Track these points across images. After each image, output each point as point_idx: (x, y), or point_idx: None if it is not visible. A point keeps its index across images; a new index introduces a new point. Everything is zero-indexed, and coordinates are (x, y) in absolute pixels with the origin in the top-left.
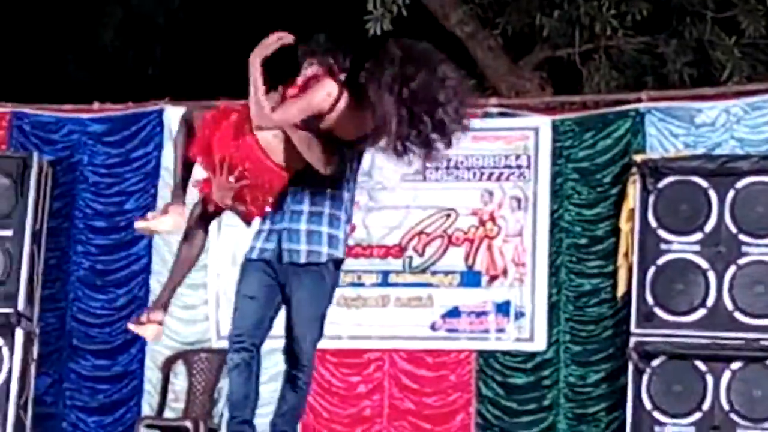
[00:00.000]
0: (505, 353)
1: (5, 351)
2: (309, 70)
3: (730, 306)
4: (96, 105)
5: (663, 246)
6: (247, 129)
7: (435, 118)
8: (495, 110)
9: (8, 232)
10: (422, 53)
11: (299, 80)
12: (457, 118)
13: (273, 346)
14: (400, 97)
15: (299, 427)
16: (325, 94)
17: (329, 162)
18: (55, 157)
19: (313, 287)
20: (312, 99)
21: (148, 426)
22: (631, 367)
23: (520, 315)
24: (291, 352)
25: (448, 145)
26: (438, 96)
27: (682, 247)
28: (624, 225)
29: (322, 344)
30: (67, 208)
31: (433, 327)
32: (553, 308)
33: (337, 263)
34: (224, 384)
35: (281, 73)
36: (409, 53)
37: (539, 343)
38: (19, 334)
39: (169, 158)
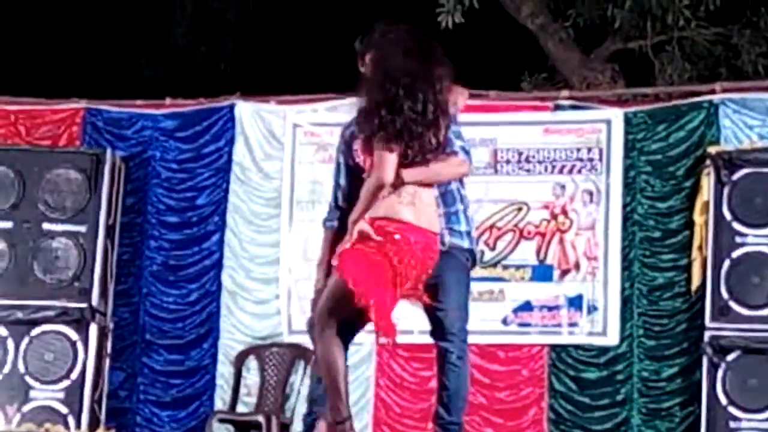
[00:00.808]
0: (577, 347)
1: (80, 346)
2: None
3: None
4: (168, 101)
5: (738, 239)
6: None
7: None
8: (566, 103)
9: (82, 228)
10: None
11: None
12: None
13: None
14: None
15: (370, 419)
16: None
17: None
18: (127, 153)
19: None
20: None
21: (221, 420)
22: (705, 362)
23: (592, 309)
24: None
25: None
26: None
27: (757, 239)
28: (698, 218)
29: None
30: (139, 203)
31: (504, 321)
32: (626, 302)
33: None
34: (296, 379)
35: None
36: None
37: (612, 338)
38: (93, 329)
39: (240, 153)
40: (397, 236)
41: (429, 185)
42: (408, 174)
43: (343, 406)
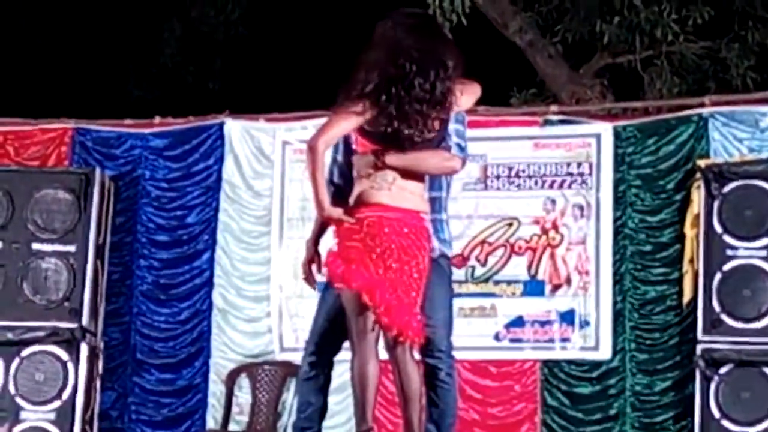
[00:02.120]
0: (570, 362)
1: (70, 366)
2: None
3: None
4: (157, 119)
5: (729, 252)
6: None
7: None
8: (556, 118)
9: (71, 248)
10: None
11: None
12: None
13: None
14: None
15: None
16: None
17: None
18: (117, 172)
19: None
20: None
21: None
22: (698, 375)
23: (584, 324)
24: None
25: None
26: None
27: (748, 252)
28: (689, 231)
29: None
30: (129, 222)
31: (496, 337)
32: (618, 316)
33: None
34: (288, 397)
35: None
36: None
37: (604, 352)
38: (83, 349)
39: (230, 171)
40: (367, 220)
41: (417, 178)
42: (391, 158)
43: (368, 417)
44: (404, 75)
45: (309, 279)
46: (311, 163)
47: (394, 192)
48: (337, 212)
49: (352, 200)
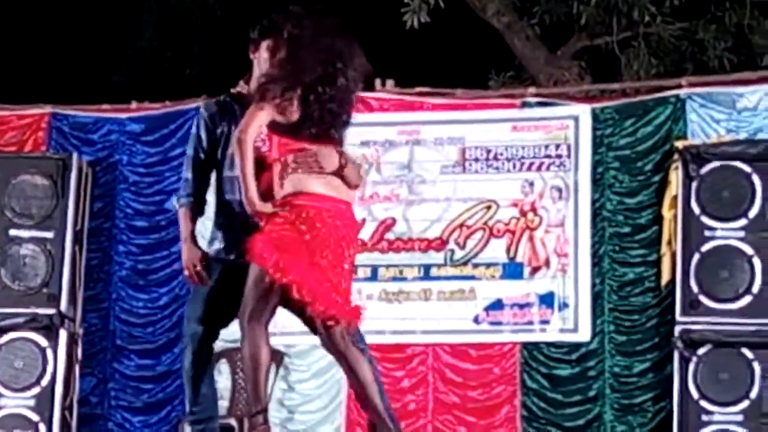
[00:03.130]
0: (549, 345)
1: (49, 352)
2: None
3: None
4: (134, 104)
5: (707, 233)
6: None
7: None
8: (534, 100)
9: (49, 234)
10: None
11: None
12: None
13: (315, 342)
14: None
15: (343, 420)
16: None
17: None
18: (94, 157)
19: None
20: None
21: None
22: (676, 356)
23: (563, 306)
24: None
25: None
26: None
27: (726, 233)
28: (667, 213)
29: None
30: (107, 208)
31: (476, 320)
32: (596, 298)
33: None
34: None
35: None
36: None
37: (584, 334)
38: (62, 335)
39: None
40: (304, 209)
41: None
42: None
43: (262, 397)
44: (332, 76)
45: (203, 279)
46: (241, 156)
47: (329, 180)
48: (268, 207)
49: (284, 190)
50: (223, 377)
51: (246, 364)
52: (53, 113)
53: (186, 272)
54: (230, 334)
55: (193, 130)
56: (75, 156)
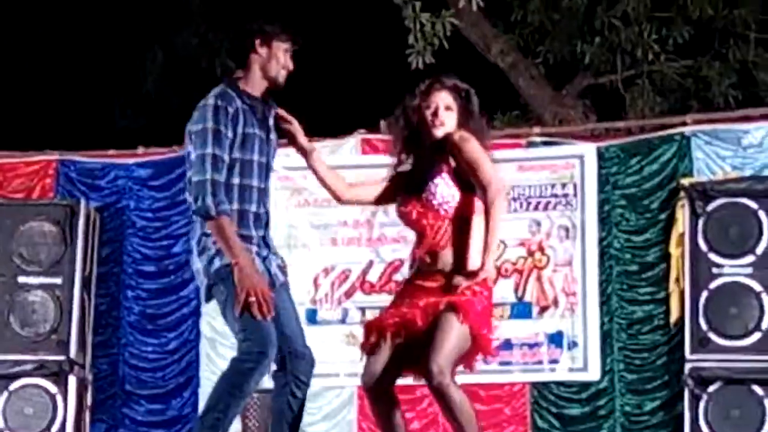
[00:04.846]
0: (559, 384)
1: (59, 399)
2: None
3: None
4: (141, 150)
5: (715, 270)
6: None
7: None
8: (539, 139)
9: (58, 280)
10: None
11: None
12: None
13: (325, 384)
14: None
15: None
16: None
17: None
18: (101, 203)
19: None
20: None
21: None
22: (687, 394)
23: (572, 345)
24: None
25: None
26: None
27: (734, 270)
28: (674, 250)
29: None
30: (115, 253)
31: (485, 360)
32: (605, 337)
33: None
34: None
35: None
36: None
37: (593, 373)
38: (72, 382)
39: None
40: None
41: None
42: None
43: None
44: None
45: (270, 309)
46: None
47: None
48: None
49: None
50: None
51: (468, 418)
52: (60, 159)
53: (251, 299)
54: None
55: (210, 125)
56: (82, 202)
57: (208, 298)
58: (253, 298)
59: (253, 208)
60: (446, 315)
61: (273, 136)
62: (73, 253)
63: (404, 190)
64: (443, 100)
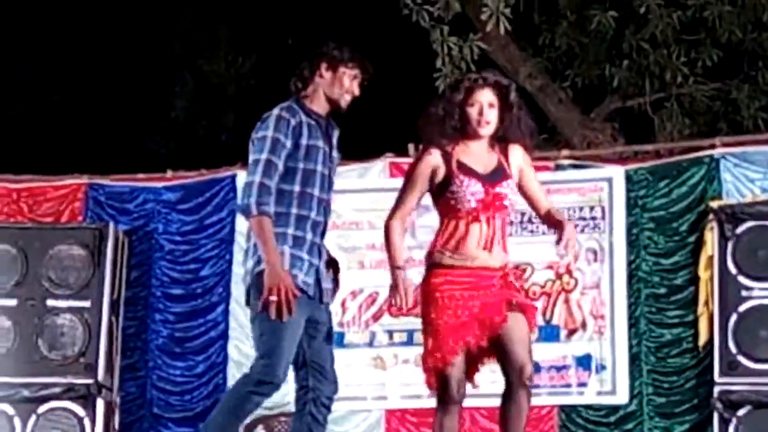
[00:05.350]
0: (587, 407)
1: (87, 422)
2: None
3: None
4: (169, 173)
5: (744, 293)
6: None
7: None
8: (567, 162)
9: (86, 303)
10: None
11: None
12: None
13: (352, 407)
14: None
15: None
16: None
17: None
18: (130, 226)
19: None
20: None
21: None
22: (716, 418)
23: (601, 368)
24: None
25: None
26: None
27: (763, 293)
28: (703, 273)
29: (402, 404)
30: (143, 276)
31: None
32: (634, 360)
33: None
34: None
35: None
36: None
37: (622, 396)
38: (100, 405)
39: (243, 223)
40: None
41: None
42: None
43: None
44: None
45: (291, 311)
46: None
47: None
48: None
49: None
50: None
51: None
52: (89, 183)
53: (272, 298)
54: (268, 400)
55: (270, 133)
56: (111, 225)
57: (248, 301)
58: (275, 297)
59: (313, 215)
60: (521, 317)
61: (336, 153)
62: (101, 277)
63: (474, 176)
64: (486, 97)
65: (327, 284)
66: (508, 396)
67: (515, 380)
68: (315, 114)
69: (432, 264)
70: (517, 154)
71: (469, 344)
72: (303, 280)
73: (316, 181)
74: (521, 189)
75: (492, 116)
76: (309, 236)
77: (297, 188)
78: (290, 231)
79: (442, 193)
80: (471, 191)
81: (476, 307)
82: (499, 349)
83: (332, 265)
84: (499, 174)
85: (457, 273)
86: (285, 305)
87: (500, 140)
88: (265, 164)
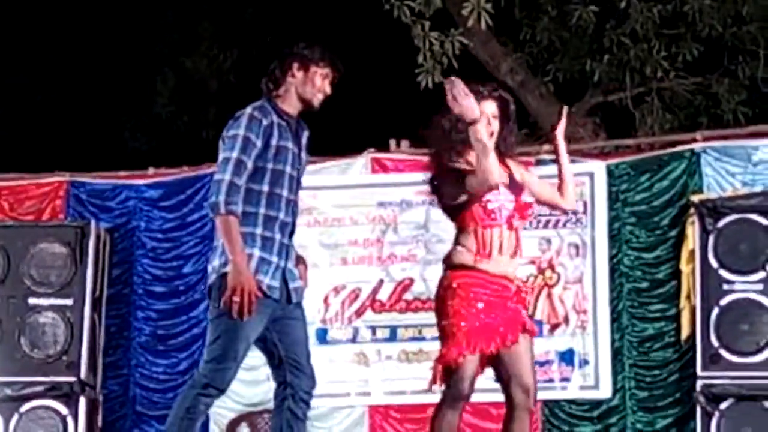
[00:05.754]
0: (570, 402)
1: (69, 420)
2: None
3: None
4: (151, 170)
5: (725, 286)
6: None
7: None
8: (549, 157)
9: (68, 301)
10: None
11: None
12: None
13: (335, 404)
14: None
15: None
16: None
17: None
18: (112, 224)
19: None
20: None
21: None
22: (699, 411)
23: (583, 363)
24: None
25: None
26: None
27: (744, 286)
28: (685, 267)
29: (385, 400)
30: (125, 274)
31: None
32: (616, 354)
33: None
34: None
35: None
36: None
37: (605, 391)
38: (82, 403)
39: None
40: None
41: None
42: None
43: None
44: None
45: (250, 312)
46: None
47: None
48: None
49: None
50: None
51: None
52: (71, 181)
53: (235, 298)
54: (251, 397)
55: (241, 132)
56: (93, 223)
57: (209, 295)
58: (237, 299)
59: (281, 215)
60: (530, 342)
61: (304, 154)
62: (83, 275)
63: (505, 186)
64: (491, 109)
65: (296, 284)
66: (511, 417)
67: (522, 403)
68: (286, 115)
69: (458, 264)
70: (514, 166)
71: (483, 350)
72: (268, 284)
73: (284, 182)
74: (534, 196)
75: (496, 127)
76: (278, 237)
77: (266, 188)
78: (258, 231)
79: (474, 200)
80: (506, 199)
81: (498, 318)
82: (506, 368)
83: (299, 262)
84: (516, 184)
85: (482, 276)
86: (246, 306)
87: None
88: (235, 163)
